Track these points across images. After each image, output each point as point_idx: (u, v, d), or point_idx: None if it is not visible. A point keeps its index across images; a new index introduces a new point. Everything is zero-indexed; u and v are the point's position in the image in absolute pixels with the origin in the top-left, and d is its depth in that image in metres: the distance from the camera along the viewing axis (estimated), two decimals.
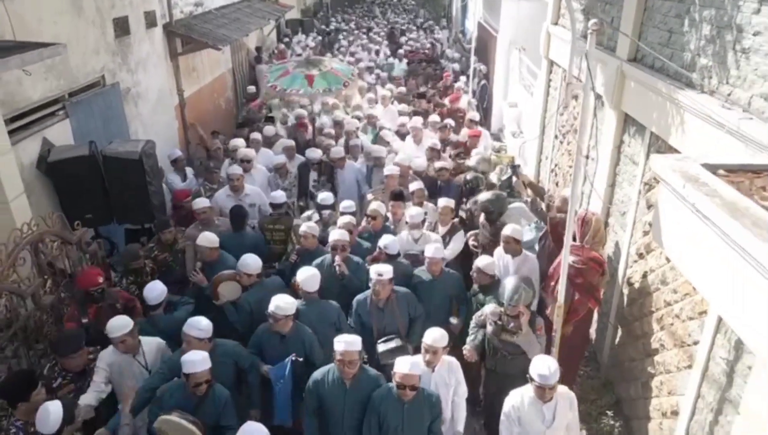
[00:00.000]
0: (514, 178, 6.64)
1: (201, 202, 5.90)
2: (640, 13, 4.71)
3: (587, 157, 4.18)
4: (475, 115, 9.29)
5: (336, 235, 4.97)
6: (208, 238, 5.14)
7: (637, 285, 4.73)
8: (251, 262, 4.80)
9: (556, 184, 7.30)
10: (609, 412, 5.02)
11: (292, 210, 6.80)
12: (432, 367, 3.95)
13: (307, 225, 5.31)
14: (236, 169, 6.51)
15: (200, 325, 3.95)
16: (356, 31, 20.56)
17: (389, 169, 6.53)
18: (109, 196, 6.04)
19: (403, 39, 18.57)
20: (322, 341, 4.25)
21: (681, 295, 3.96)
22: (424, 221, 5.49)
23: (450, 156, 7.42)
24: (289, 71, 7.99)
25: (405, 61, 14.99)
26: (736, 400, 3.25)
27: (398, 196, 5.89)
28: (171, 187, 7.14)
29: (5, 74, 5.12)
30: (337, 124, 9.05)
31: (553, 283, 4.82)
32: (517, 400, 3.78)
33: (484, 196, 5.61)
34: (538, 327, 4.31)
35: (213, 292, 4.76)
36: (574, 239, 4.86)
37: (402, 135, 8.65)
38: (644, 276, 4.58)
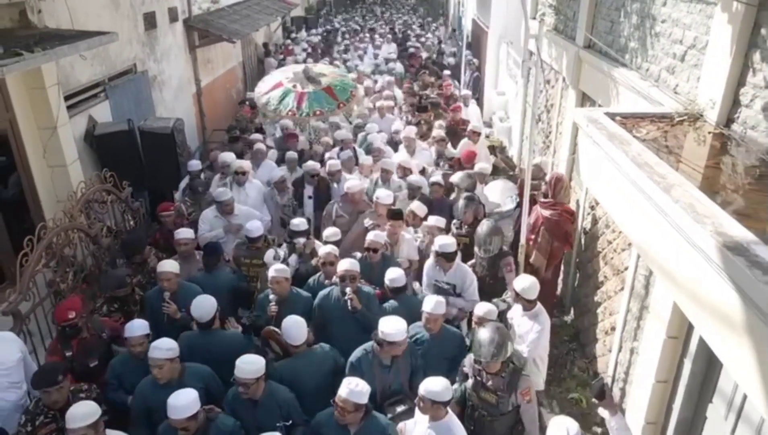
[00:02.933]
0: (493, 158, 7.62)
1: (184, 233, 5.16)
2: (593, 7, 5.68)
3: (539, 120, 5.13)
4: (478, 127, 7.93)
5: (346, 264, 4.32)
6: (170, 264, 4.55)
7: (589, 232, 5.70)
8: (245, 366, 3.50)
9: None
10: (569, 343, 6.00)
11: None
12: (428, 418, 3.34)
13: (275, 268, 4.40)
14: (226, 196, 5.69)
15: (165, 344, 3.57)
16: (358, 32, 20.53)
17: (353, 184, 5.88)
18: (144, 165, 7.06)
19: (410, 41, 17.77)
20: (314, 395, 3.75)
21: (617, 233, 4.93)
22: (456, 253, 4.74)
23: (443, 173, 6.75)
24: (282, 83, 7.22)
25: (406, 64, 14.55)
26: (649, 305, 4.23)
27: (397, 215, 5.21)
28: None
29: (62, 59, 6.11)
30: (332, 125, 8.47)
31: (533, 236, 5.80)
32: None
33: (481, 230, 5.01)
34: (522, 391, 3.65)
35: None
36: (546, 196, 5.85)
37: (395, 143, 8.00)
38: (594, 224, 5.56)
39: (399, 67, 14.04)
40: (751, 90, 3.04)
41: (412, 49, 16.44)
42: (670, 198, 2.27)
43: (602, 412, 4.06)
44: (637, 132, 3.20)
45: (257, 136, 8.13)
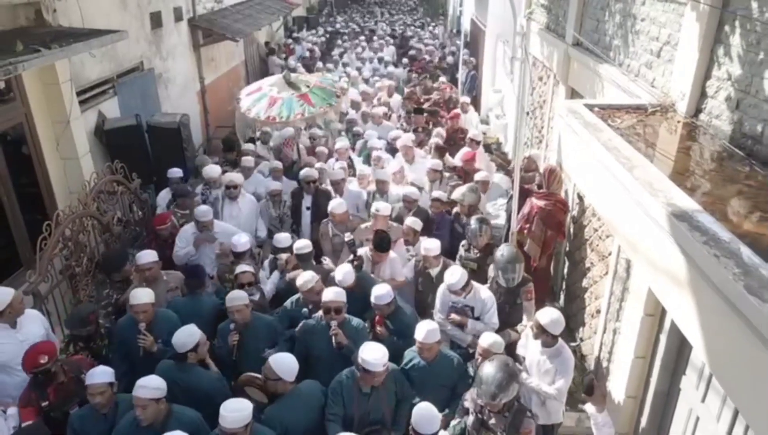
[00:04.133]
0: (489, 155, 7.89)
1: (146, 257, 4.69)
2: (581, 7, 5.95)
3: (528, 113, 5.39)
4: (477, 135, 7.65)
5: (330, 294, 4.01)
6: (145, 294, 4.15)
7: (578, 221, 5.97)
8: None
9: None
10: None
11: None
12: None
13: (232, 296, 4.11)
14: (208, 217, 5.33)
15: (152, 383, 3.27)
16: (358, 34, 20.23)
17: (335, 205, 5.49)
18: (151, 158, 7.35)
19: (411, 42, 17.62)
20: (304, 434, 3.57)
21: (602, 222, 5.20)
22: (467, 284, 4.35)
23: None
24: (277, 99, 6.92)
25: (406, 69, 14.34)
26: (629, 287, 4.50)
27: (381, 246, 4.80)
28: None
29: (73, 57, 6.39)
30: (331, 133, 8.21)
31: (528, 226, 6.06)
32: None
33: (503, 256, 4.60)
34: (524, 431, 3.41)
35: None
36: (540, 187, 6.11)
37: (393, 150, 7.62)
38: (582, 213, 5.83)
39: (398, 71, 13.76)
40: (716, 82, 3.32)
41: (413, 51, 16.29)
42: (632, 176, 2.54)
43: (589, 407, 4.28)
44: (612, 121, 3.47)
45: (249, 146, 7.70)
